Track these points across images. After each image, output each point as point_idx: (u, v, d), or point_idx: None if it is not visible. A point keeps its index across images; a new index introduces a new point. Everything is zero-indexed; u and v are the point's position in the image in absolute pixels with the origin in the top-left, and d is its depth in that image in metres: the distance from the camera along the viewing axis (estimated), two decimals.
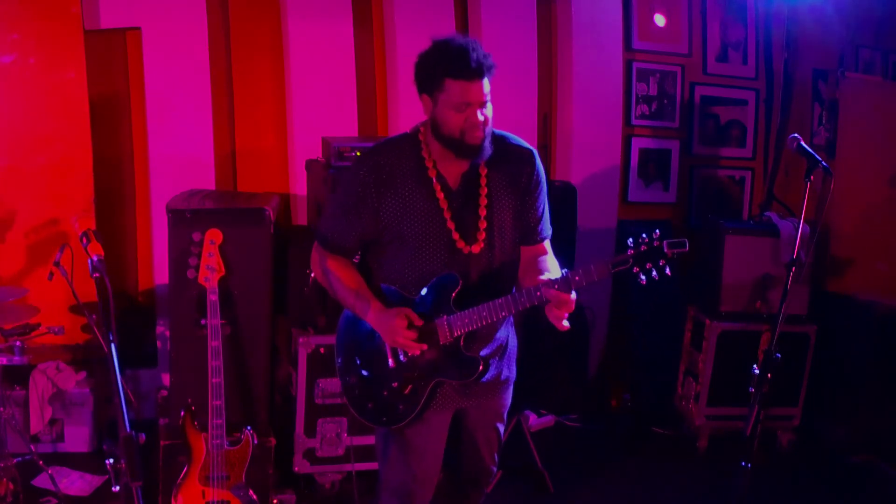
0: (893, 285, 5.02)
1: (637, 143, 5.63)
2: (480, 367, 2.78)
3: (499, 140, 2.81)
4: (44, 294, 4.05)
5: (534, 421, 5.04)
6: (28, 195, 4.50)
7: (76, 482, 4.16)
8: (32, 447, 4.05)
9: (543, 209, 2.92)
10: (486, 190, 2.80)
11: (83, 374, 4.49)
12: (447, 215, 2.77)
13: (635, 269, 2.57)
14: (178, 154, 4.69)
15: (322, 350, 4.02)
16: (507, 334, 2.98)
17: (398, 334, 2.72)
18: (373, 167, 2.78)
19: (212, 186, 4.77)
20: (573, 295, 2.61)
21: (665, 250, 2.54)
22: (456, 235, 2.78)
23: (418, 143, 2.81)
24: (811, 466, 4.85)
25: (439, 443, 2.95)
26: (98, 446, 4.48)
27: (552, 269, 2.81)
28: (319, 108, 4.87)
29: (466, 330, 2.73)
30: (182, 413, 3.59)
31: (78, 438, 4.44)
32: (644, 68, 5.58)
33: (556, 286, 2.59)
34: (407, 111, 4.88)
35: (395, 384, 2.83)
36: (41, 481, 4.06)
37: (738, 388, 4.05)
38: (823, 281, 5.18)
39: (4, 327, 3.84)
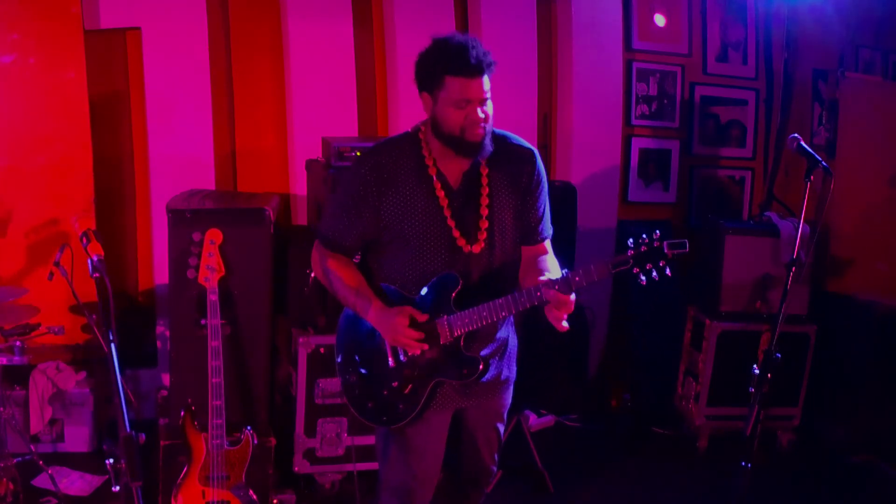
0: (893, 285, 5.02)
1: (637, 143, 5.63)
2: (481, 367, 2.78)
3: (500, 140, 2.82)
4: (44, 294, 4.04)
5: (534, 421, 5.04)
6: (28, 195, 4.50)
7: (76, 482, 4.16)
8: (32, 447, 4.05)
9: (544, 209, 2.91)
10: (487, 189, 2.80)
11: (83, 374, 4.49)
12: (448, 214, 2.77)
13: (635, 270, 2.57)
14: (178, 154, 4.69)
15: (322, 350, 4.01)
16: (508, 334, 2.98)
17: (399, 333, 2.72)
18: (373, 166, 2.77)
19: (212, 186, 4.77)
20: (573, 296, 2.62)
21: (665, 251, 2.54)
22: (457, 234, 2.78)
23: (419, 142, 2.81)
24: (811, 466, 4.84)
25: (439, 442, 2.95)
26: (98, 446, 4.48)
27: (553, 269, 2.81)
28: (319, 108, 4.87)
29: (467, 330, 2.74)
30: (182, 413, 3.59)
31: (78, 438, 4.44)
32: (644, 68, 5.58)
33: (557, 287, 2.59)
34: (407, 111, 4.88)
35: (395, 383, 2.83)
36: (41, 481, 4.06)
37: (738, 388, 4.05)
38: (823, 281, 5.18)
39: (4, 327, 3.84)
